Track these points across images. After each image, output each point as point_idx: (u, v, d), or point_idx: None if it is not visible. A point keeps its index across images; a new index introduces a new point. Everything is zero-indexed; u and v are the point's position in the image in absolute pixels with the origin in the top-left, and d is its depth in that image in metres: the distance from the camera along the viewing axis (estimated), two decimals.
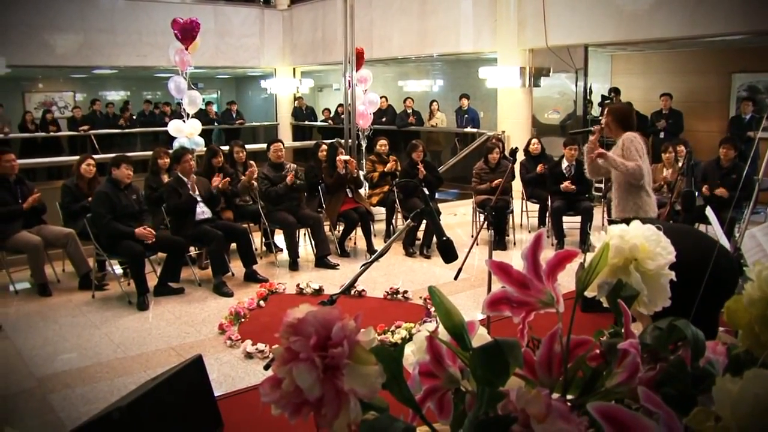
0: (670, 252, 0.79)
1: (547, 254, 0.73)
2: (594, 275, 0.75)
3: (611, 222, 4.37)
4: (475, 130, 11.21)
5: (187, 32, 7.41)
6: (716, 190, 6.43)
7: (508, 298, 0.74)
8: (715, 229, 3.27)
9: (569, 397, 0.69)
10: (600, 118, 4.62)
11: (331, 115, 14.51)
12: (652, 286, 0.79)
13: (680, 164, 6.39)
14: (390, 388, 0.65)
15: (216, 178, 6.09)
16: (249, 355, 4.25)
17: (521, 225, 7.75)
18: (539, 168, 7.33)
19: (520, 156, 7.33)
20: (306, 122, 15.14)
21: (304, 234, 6.85)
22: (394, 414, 0.64)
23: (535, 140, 7.73)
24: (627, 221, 0.83)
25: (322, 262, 6.34)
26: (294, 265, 6.29)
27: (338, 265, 6.34)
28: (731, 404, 0.53)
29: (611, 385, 0.67)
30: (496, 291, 0.75)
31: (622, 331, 0.74)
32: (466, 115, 11.65)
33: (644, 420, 0.52)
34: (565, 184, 6.88)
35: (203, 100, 9.01)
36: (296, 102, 15.17)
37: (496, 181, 6.83)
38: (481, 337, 0.78)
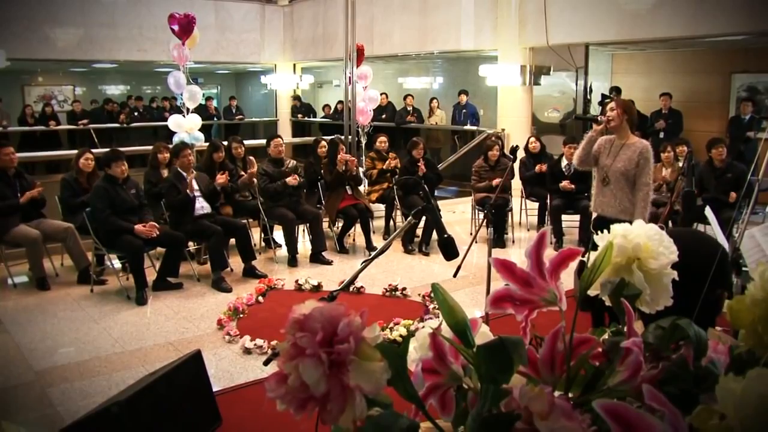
0: (672, 252, 0.79)
1: (547, 253, 0.73)
2: (597, 274, 0.75)
3: (602, 219, 4.28)
4: (474, 127, 11.21)
5: (183, 27, 7.39)
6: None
7: (511, 296, 0.75)
8: (714, 229, 3.28)
9: (571, 395, 0.69)
10: (599, 116, 4.55)
11: (331, 112, 14.49)
12: (654, 286, 0.79)
13: (680, 164, 6.39)
14: (394, 384, 0.65)
15: (220, 177, 5.95)
16: (247, 351, 4.26)
17: (520, 223, 7.76)
18: (538, 168, 7.33)
19: (521, 154, 7.32)
20: (305, 118, 15.13)
21: (303, 230, 6.86)
22: (398, 410, 0.65)
23: (533, 139, 7.73)
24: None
25: (316, 257, 6.34)
26: (293, 261, 6.29)
27: (332, 261, 6.34)
28: (735, 404, 0.53)
29: (613, 383, 0.67)
30: (500, 288, 0.76)
31: (624, 329, 0.74)
32: (464, 110, 11.62)
33: (650, 419, 0.53)
34: (564, 183, 6.87)
35: (203, 95, 8.98)
36: (293, 101, 15.15)
37: (495, 181, 6.82)
38: (483, 334, 0.78)
